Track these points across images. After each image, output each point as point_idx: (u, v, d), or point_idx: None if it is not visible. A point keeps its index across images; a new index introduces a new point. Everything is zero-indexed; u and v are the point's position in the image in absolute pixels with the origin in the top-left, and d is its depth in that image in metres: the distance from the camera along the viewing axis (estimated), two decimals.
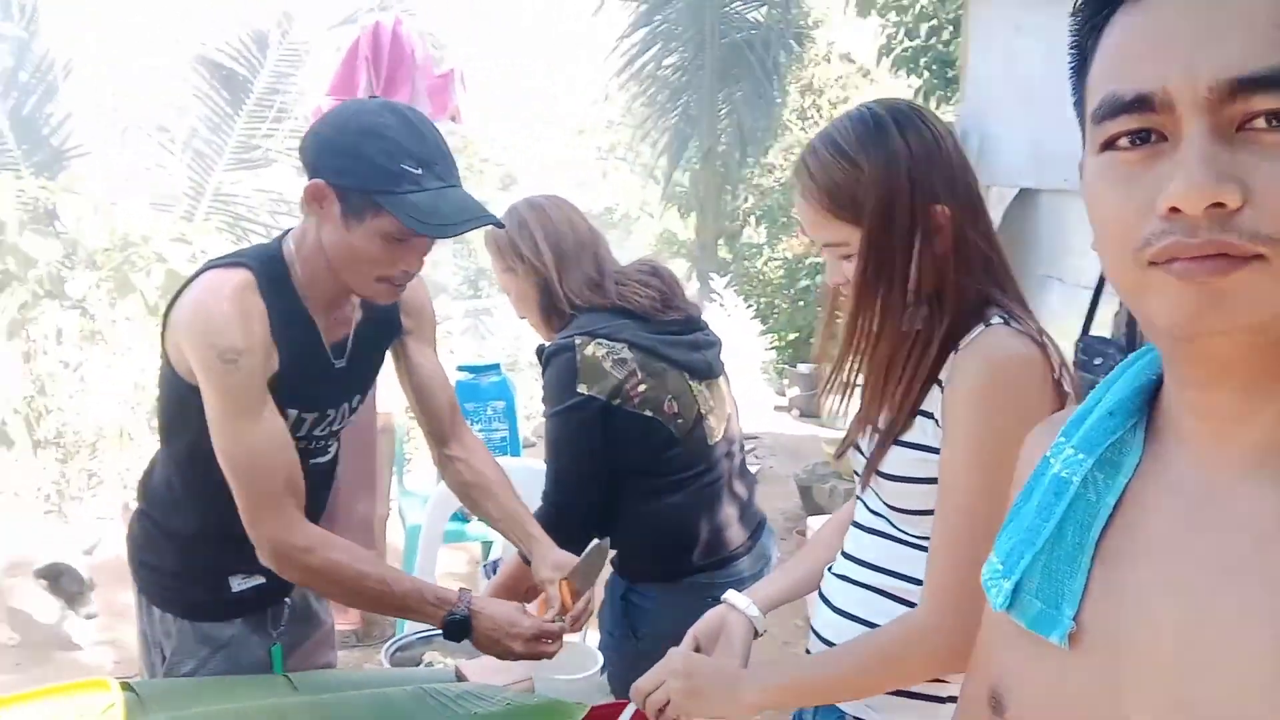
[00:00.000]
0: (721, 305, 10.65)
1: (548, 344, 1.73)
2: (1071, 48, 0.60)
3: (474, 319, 11.17)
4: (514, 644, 1.37)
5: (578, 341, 1.66)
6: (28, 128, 7.42)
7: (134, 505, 1.62)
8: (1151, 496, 0.60)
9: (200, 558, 1.49)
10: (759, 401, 8.45)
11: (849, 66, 11.08)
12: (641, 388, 1.67)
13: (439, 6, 12.82)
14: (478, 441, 1.72)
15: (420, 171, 1.28)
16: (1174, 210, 0.50)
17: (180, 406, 1.39)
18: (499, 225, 1.52)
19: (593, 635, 1.97)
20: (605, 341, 1.67)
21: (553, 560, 1.49)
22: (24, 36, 7.24)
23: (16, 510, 4.93)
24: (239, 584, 1.49)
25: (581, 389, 1.64)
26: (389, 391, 3.61)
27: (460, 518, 3.01)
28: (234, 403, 1.31)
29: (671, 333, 1.75)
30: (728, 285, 11.13)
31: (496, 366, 3.39)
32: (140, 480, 1.61)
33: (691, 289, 9.85)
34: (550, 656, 1.41)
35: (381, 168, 1.28)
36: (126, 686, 1.25)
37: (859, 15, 6.97)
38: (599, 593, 1.64)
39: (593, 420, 1.65)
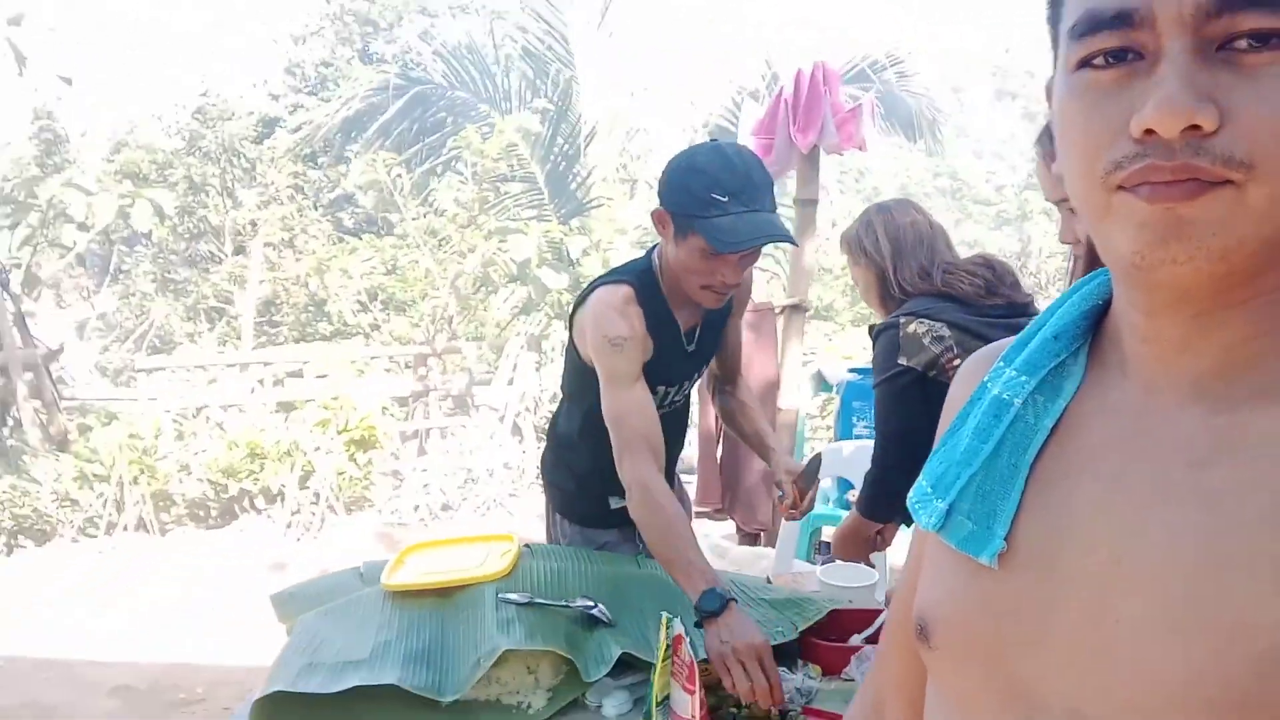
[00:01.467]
0: None
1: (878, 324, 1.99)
2: None
3: None
4: (737, 654, 1.40)
5: (901, 320, 1.89)
6: (559, 183, 9.07)
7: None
8: (1089, 420, 0.60)
9: (589, 483, 1.94)
10: None
11: None
12: (956, 361, 1.84)
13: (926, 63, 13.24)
14: (746, 384, 2.16)
15: (727, 200, 1.60)
16: (1148, 132, 0.49)
17: (580, 379, 1.85)
18: (792, 243, 1.80)
19: None
20: (926, 320, 1.88)
21: (786, 466, 1.90)
22: (554, 109, 8.85)
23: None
24: (615, 503, 1.89)
25: (901, 361, 1.87)
26: (796, 389, 4.00)
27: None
28: (615, 377, 1.72)
29: (993, 316, 1.90)
30: None
31: None
32: (548, 427, 2.16)
33: None
34: (752, 700, 1.40)
35: (696, 197, 1.62)
36: (524, 546, 1.75)
37: None
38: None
39: (911, 388, 1.86)
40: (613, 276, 1.85)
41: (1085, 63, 0.53)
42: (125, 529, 4.87)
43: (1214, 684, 0.49)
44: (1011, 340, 0.68)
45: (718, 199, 1.60)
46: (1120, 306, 0.60)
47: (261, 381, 6.02)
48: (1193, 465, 0.54)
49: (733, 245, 1.61)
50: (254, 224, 8.53)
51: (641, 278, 1.79)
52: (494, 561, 1.65)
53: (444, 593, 1.58)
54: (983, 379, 0.67)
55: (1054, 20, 0.59)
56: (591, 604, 1.56)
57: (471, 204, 7.49)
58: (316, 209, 9.84)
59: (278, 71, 13.77)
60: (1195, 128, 0.48)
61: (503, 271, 7.23)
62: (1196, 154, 0.48)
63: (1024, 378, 0.63)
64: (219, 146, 9.42)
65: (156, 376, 6.16)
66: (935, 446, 0.69)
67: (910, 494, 0.68)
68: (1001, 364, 0.65)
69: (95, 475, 4.89)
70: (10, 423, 5.18)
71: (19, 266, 6.72)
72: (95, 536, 4.85)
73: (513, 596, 1.55)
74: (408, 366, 6.92)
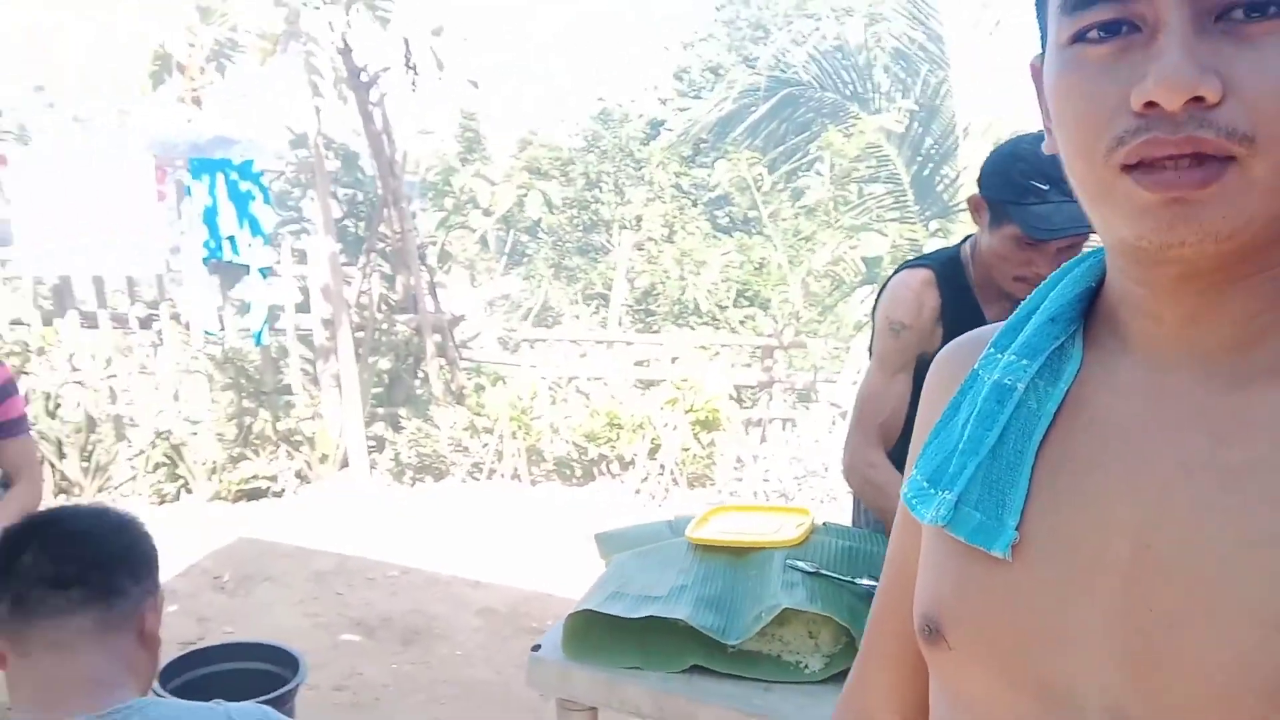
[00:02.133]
0: None
1: None
2: None
3: None
4: None
5: None
6: (925, 185, 8.87)
7: None
8: (1097, 401, 0.58)
9: None
10: None
11: None
12: None
13: None
14: None
15: (1047, 188, 1.55)
16: (1150, 105, 0.47)
17: None
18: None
19: None
20: None
21: None
22: (921, 109, 8.66)
23: None
24: None
25: None
26: None
27: None
28: (883, 360, 1.77)
29: None
30: None
31: None
32: None
33: None
34: None
35: (1015, 183, 1.59)
36: (822, 523, 1.87)
37: None
38: None
39: None
40: (917, 260, 1.86)
41: (1079, 37, 0.51)
42: (503, 477, 5.59)
43: (1263, 673, 0.47)
44: (988, 329, 0.66)
45: (1037, 186, 1.57)
46: (1120, 285, 0.57)
47: (640, 361, 6.60)
48: (1213, 443, 0.52)
49: (1047, 233, 1.58)
50: (639, 219, 9.31)
51: (947, 265, 1.79)
52: (788, 530, 1.79)
53: (739, 551, 1.74)
54: (971, 366, 0.64)
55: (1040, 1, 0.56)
56: (875, 584, 1.63)
57: (827, 203, 7.59)
58: (695, 206, 10.50)
59: (667, 76, 14.76)
60: (1198, 100, 0.46)
61: (852, 269, 7.27)
62: (1200, 126, 0.47)
63: (1025, 361, 0.60)
64: (614, 147, 10.37)
65: (539, 347, 6.98)
66: (926, 438, 0.66)
67: (904, 490, 0.65)
68: (993, 350, 0.63)
69: (483, 428, 5.65)
70: (421, 375, 6.12)
71: (434, 244, 7.89)
72: (479, 480, 5.61)
73: (801, 564, 1.68)
74: (755, 358, 7.19)
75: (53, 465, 4.72)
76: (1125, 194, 0.49)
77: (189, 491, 4.97)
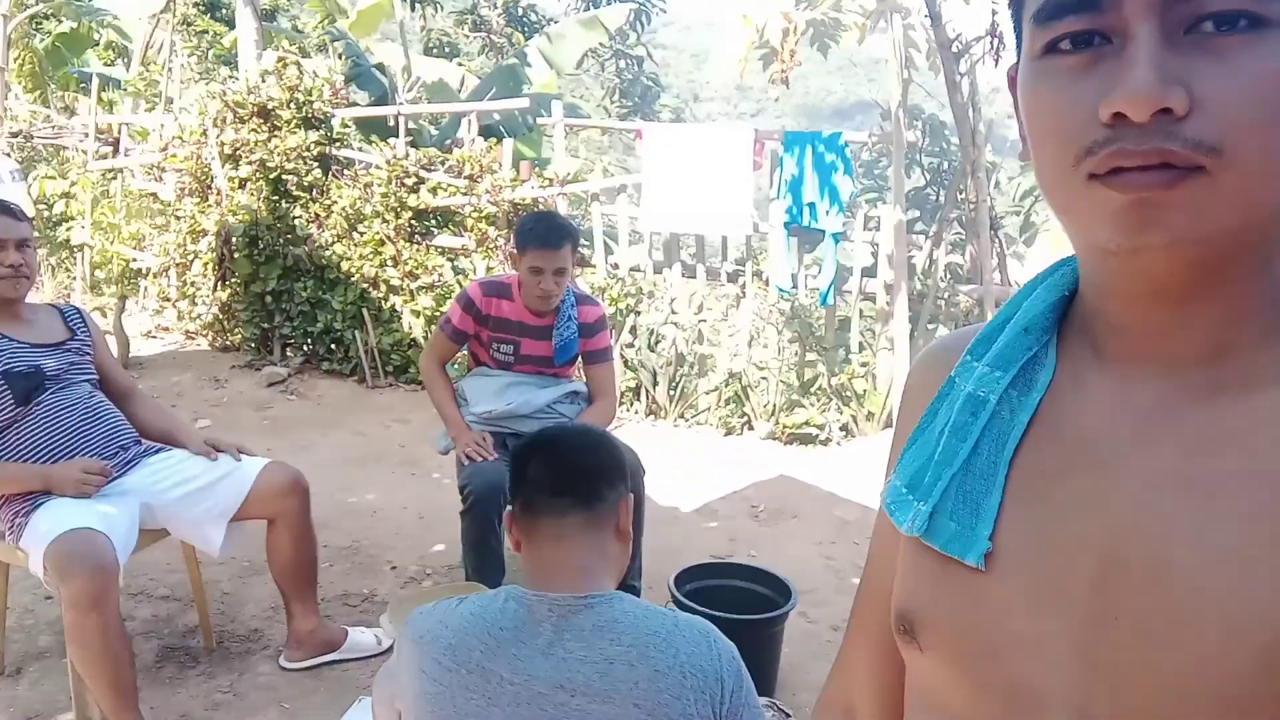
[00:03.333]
0: None
1: None
2: None
3: None
4: None
5: None
6: None
7: None
8: (1069, 412, 0.58)
9: None
10: None
11: None
12: None
13: None
14: None
15: None
16: (1118, 116, 0.48)
17: None
18: None
19: None
20: None
21: None
22: None
23: None
24: None
25: None
26: None
27: None
28: None
29: None
30: None
31: None
32: None
33: None
34: None
35: None
36: None
37: None
38: None
39: None
40: None
41: (1051, 48, 0.51)
42: None
43: (1220, 679, 0.48)
44: (970, 331, 0.65)
45: None
46: (1094, 295, 0.57)
47: None
48: (1183, 457, 0.52)
49: None
50: None
51: None
52: None
53: None
54: (948, 373, 0.64)
55: (1016, 6, 0.55)
56: None
57: None
58: None
59: None
60: (1166, 111, 0.46)
61: None
62: (1167, 138, 0.47)
63: (998, 373, 0.60)
64: None
65: None
66: (905, 442, 0.65)
67: (884, 493, 0.65)
68: (969, 358, 0.63)
69: None
70: None
71: (1018, 214, 7.59)
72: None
73: None
74: None
75: (647, 391, 5.70)
76: (1095, 199, 0.50)
77: (750, 428, 5.62)
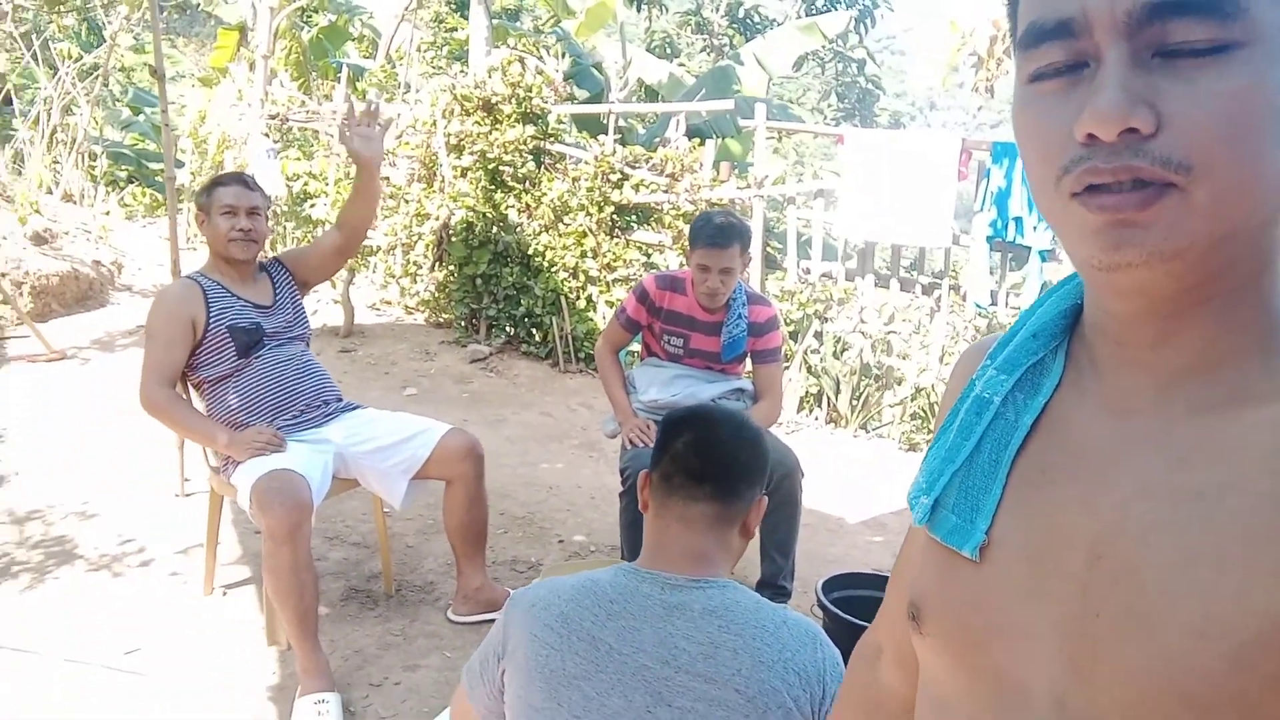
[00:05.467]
0: None
1: None
2: None
3: None
4: None
5: None
6: None
7: None
8: (1068, 419, 0.61)
9: None
10: None
11: None
12: None
13: None
14: None
15: None
16: (1091, 136, 0.50)
17: None
18: None
19: None
20: None
21: None
22: None
23: None
24: None
25: None
26: None
27: None
28: None
29: None
30: None
31: None
32: None
33: None
34: None
35: None
36: None
37: None
38: None
39: None
40: None
41: (1035, 75, 0.55)
42: None
43: (1189, 677, 0.50)
44: (998, 335, 0.68)
45: None
46: (1090, 308, 0.60)
47: None
48: (1170, 467, 0.54)
49: None
50: None
51: None
52: None
53: None
54: (973, 376, 0.67)
55: (1014, 38, 0.57)
56: None
57: None
58: None
59: None
60: (1134, 131, 0.49)
61: None
62: (1136, 155, 0.49)
63: (1003, 376, 0.64)
64: None
65: None
66: (933, 439, 0.70)
67: (909, 490, 0.69)
68: (988, 361, 0.66)
69: None
70: None
71: None
72: None
73: None
74: None
75: (829, 398, 5.65)
76: (1076, 218, 0.53)
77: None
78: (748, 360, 3.34)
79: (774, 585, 3.12)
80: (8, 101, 8.30)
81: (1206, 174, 0.49)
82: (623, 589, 1.39)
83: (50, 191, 8.36)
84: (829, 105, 19.39)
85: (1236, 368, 0.54)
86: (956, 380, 0.73)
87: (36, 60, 8.31)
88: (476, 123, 6.79)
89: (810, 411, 5.75)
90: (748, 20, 17.13)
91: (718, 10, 17.44)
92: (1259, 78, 0.49)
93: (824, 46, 14.42)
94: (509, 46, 7.20)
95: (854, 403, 5.62)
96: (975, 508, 0.63)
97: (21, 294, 5.80)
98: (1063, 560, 0.57)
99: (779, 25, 13.86)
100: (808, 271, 6.19)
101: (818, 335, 5.84)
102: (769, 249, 6.30)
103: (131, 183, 10.40)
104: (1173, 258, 0.51)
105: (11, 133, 8.36)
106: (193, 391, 2.97)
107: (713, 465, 1.42)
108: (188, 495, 3.92)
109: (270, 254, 2.92)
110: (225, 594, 3.16)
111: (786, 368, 5.72)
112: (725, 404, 3.21)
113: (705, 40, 17.47)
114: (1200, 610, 0.50)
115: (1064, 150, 0.52)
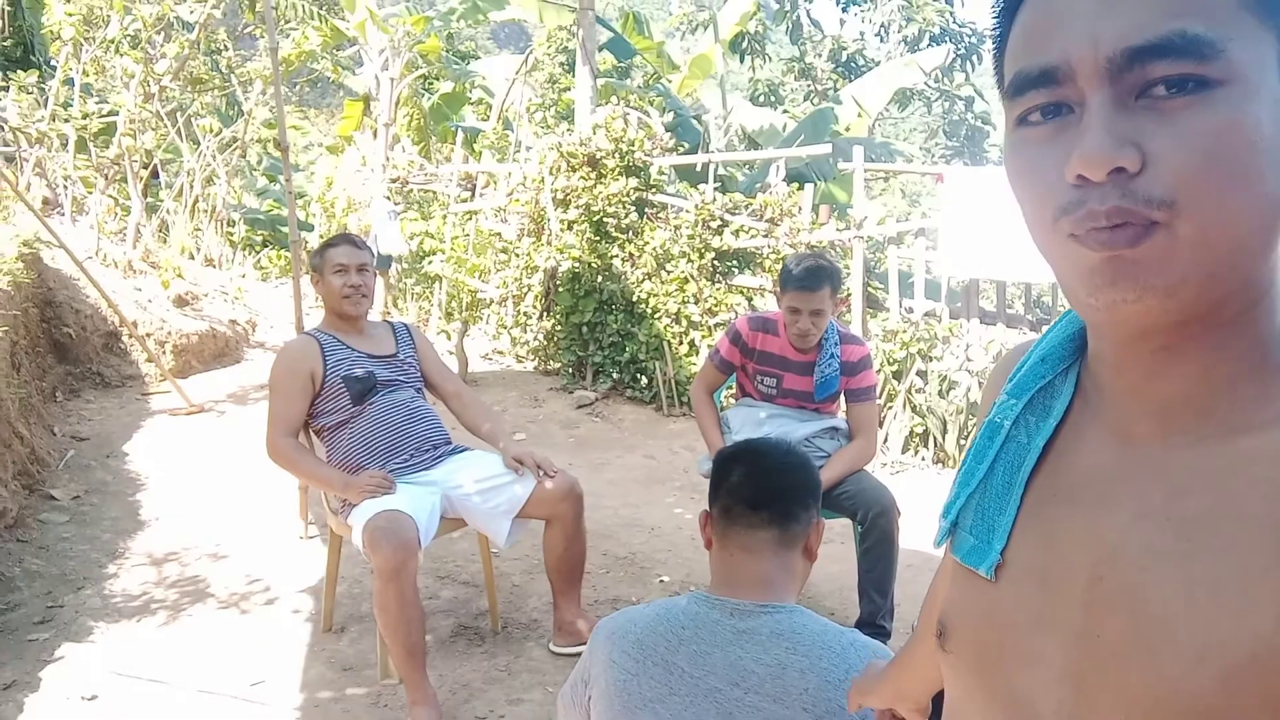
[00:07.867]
0: None
1: None
2: (993, 30, 0.60)
3: None
4: None
5: None
6: None
7: None
8: (1077, 441, 0.62)
9: None
10: None
11: None
12: None
13: None
14: None
15: None
16: (1081, 177, 0.52)
17: None
18: None
19: None
20: None
21: None
22: None
23: None
24: None
25: None
26: None
27: None
28: None
29: None
30: None
31: None
32: None
33: None
34: None
35: None
36: None
37: None
38: None
39: None
40: None
41: (1022, 121, 0.57)
42: None
43: (1186, 699, 0.52)
44: (1027, 346, 0.70)
45: None
46: (1092, 338, 0.62)
47: None
48: (1168, 493, 0.56)
49: None
50: None
51: None
52: None
53: None
54: (1004, 386, 0.69)
55: (1002, 85, 0.59)
56: None
57: None
58: None
59: None
60: (1121, 170, 0.51)
61: None
62: (1123, 196, 0.51)
63: (1012, 401, 0.66)
64: None
65: None
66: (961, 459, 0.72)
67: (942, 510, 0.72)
68: (1007, 385, 0.69)
69: None
70: None
71: None
72: None
73: None
74: None
75: (935, 438, 5.56)
76: (1073, 256, 0.55)
77: None
78: (842, 399, 3.36)
79: (873, 624, 3.10)
80: (155, 175, 9.01)
81: (1190, 209, 0.51)
82: (694, 616, 1.45)
83: (192, 257, 8.99)
84: (936, 144, 19.17)
85: (1231, 397, 0.56)
86: (987, 395, 0.76)
87: (181, 136, 9.01)
88: (582, 178, 7.02)
89: (916, 451, 5.66)
90: (850, 63, 17.16)
91: (820, 55, 17.53)
92: (1238, 115, 0.50)
93: (926, 84, 14.31)
94: (613, 103, 7.44)
95: (961, 442, 5.51)
96: (991, 528, 0.65)
97: (165, 352, 6.25)
98: (1067, 581, 0.59)
99: (879, 64, 13.85)
100: (910, 310, 6.13)
101: (921, 374, 5.77)
102: (870, 289, 6.27)
103: (266, 246, 11.08)
104: (1167, 294, 0.52)
105: (159, 203, 9.04)
106: (315, 438, 3.18)
107: (767, 491, 1.48)
108: (310, 537, 4.15)
109: (398, 314, 3.12)
110: (343, 630, 3.33)
111: (889, 407, 5.67)
112: (819, 442, 3.24)
113: (809, 86, 17.56)
114: (1198, 633, 0.51)
115: (1058, 191, 0.54)
